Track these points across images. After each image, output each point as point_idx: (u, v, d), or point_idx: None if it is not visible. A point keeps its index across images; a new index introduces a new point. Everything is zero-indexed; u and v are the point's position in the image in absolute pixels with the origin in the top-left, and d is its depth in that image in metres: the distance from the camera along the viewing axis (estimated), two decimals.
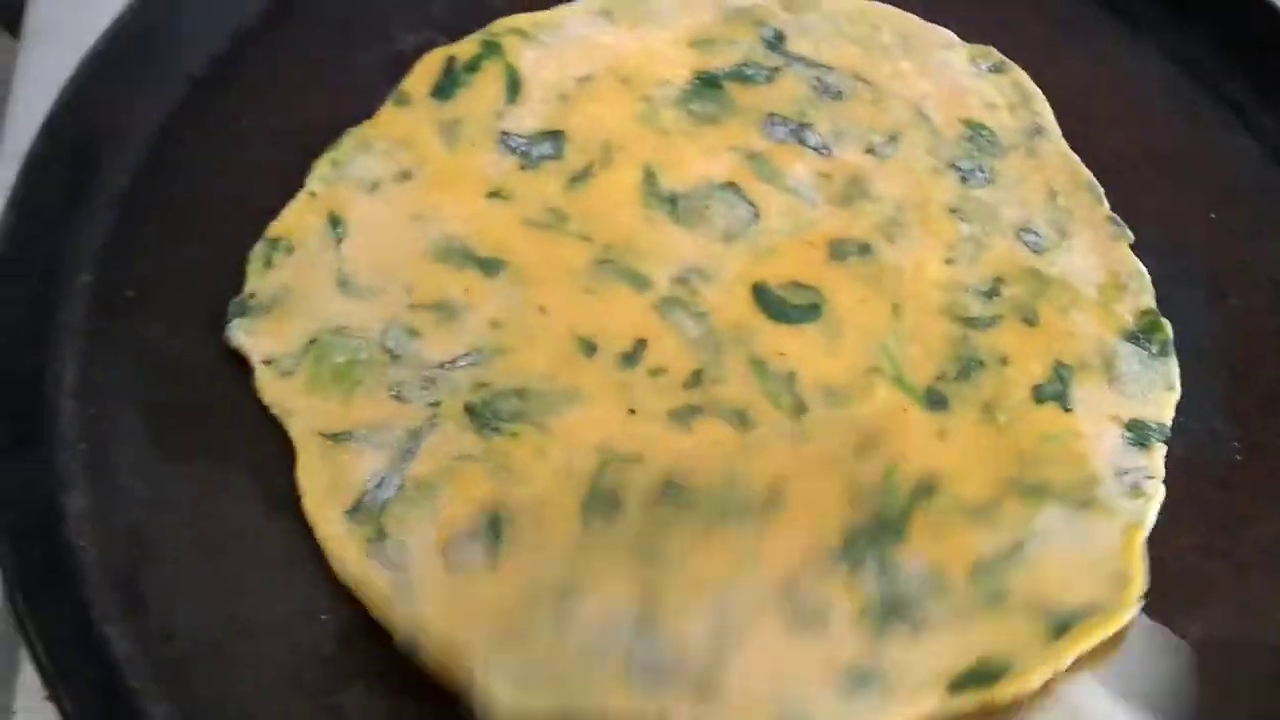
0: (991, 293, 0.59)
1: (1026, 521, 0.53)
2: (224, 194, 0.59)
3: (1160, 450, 0.56)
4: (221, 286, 0.57)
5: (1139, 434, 0.56)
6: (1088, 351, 0.58)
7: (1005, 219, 0.61)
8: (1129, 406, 0.57)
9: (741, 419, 0.54)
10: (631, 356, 0.55)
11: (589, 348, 0.55)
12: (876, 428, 0.55)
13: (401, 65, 0.63)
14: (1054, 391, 0.57)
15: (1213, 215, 0.64)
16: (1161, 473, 0.56)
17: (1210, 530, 0.56)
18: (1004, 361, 0.57)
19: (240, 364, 0.55)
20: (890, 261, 0.59)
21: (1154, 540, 0.54)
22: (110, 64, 0.59)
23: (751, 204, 0.60)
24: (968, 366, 0.57)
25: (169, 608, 0.50)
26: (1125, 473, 0.55)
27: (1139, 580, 0.52)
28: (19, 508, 0.50)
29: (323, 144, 0.60)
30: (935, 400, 0.56)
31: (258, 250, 0.56)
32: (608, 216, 0.59)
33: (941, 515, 0.53)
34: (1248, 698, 0.52)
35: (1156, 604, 0.53)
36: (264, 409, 0.54)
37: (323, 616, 0.51)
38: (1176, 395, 0.58)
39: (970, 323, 0.58)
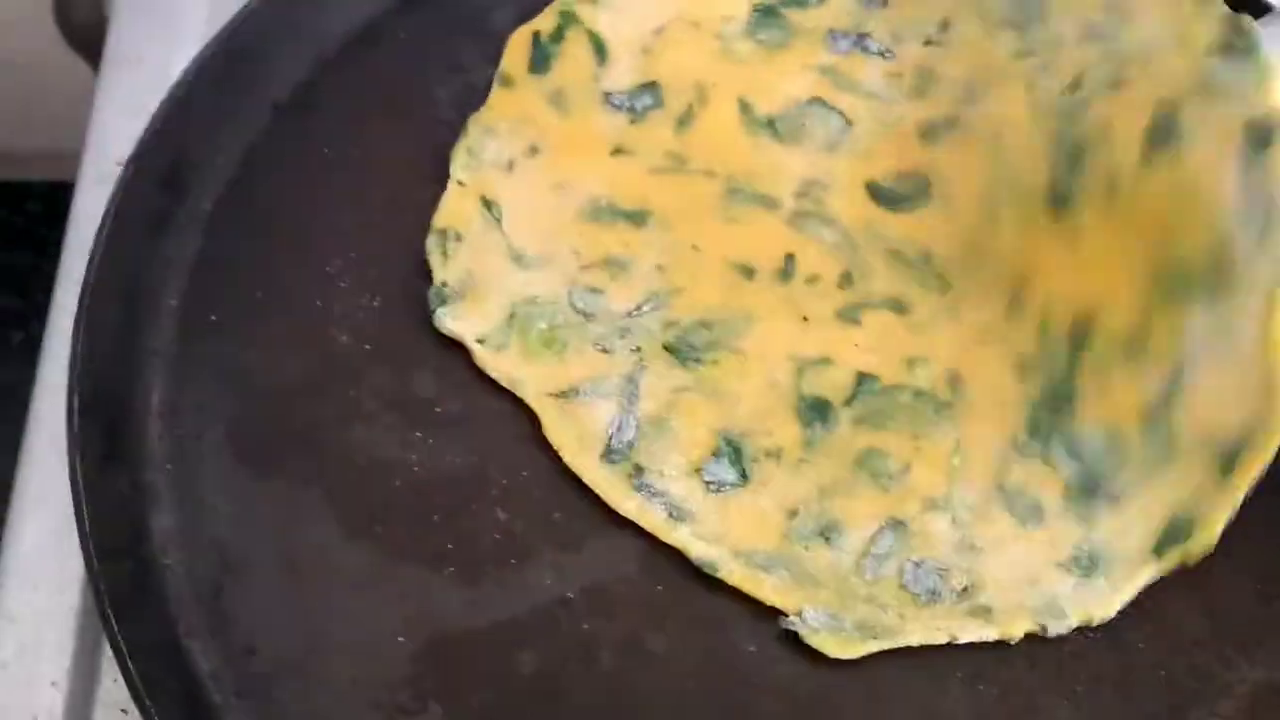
0: (1075, 85, 0.59)
1: (1176, 341, 0.54)
2: (304, 219, 0.61)
3: None
4: (304, 312, 0.58)
5: (1258, 134, 0.52)
6: (1182, 81, 0.55)
7: (1069, 35, 0.61)
8: (1238, 112, 0.53)
9: (899, 305, 0.60)
10: (785, 271, 0.61)
11: (747, 271, 0.61)
12: (1015, 269, 0.59)
13: (474, 96, 0.65)
14: (1163, 130, 0.54)
15: None
16: None
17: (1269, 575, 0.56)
18: (1107, 129, 0.56)
19: (322, 387, 0.57)
20: (976, 119, 0.63)
21: (1210, 586, 0.55)
22: (198, 92, 0.61)
23: (840, 112, 0.65)
24: (1075, 153, 0.58)
25: (252, 625, 0.52)
26: (1254, 198, 0.52)
27: None
28: (109, 525, 0.52)
29: (398, 172, 0.62)
30: (1058, 199, 0.59)
31: (432, 242, 0.60)
32: (721, 150, 0.64)
33: (1102, 358, 0.57)
34: None
35: (1213, 648, 0.54)
36: (343, 431, 0.56)
37: (400, 639, 0.52)
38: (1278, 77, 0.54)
39: (1063, 119, 0.59)
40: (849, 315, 0.60)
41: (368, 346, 0.58)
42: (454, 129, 0.64)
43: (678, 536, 0.55)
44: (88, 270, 0.56)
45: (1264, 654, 0.54)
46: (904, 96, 0.65)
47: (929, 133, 0.64)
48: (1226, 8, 0.55)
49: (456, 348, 0.58)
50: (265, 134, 0.62)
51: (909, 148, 0.64)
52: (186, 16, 0.72)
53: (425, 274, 0.60)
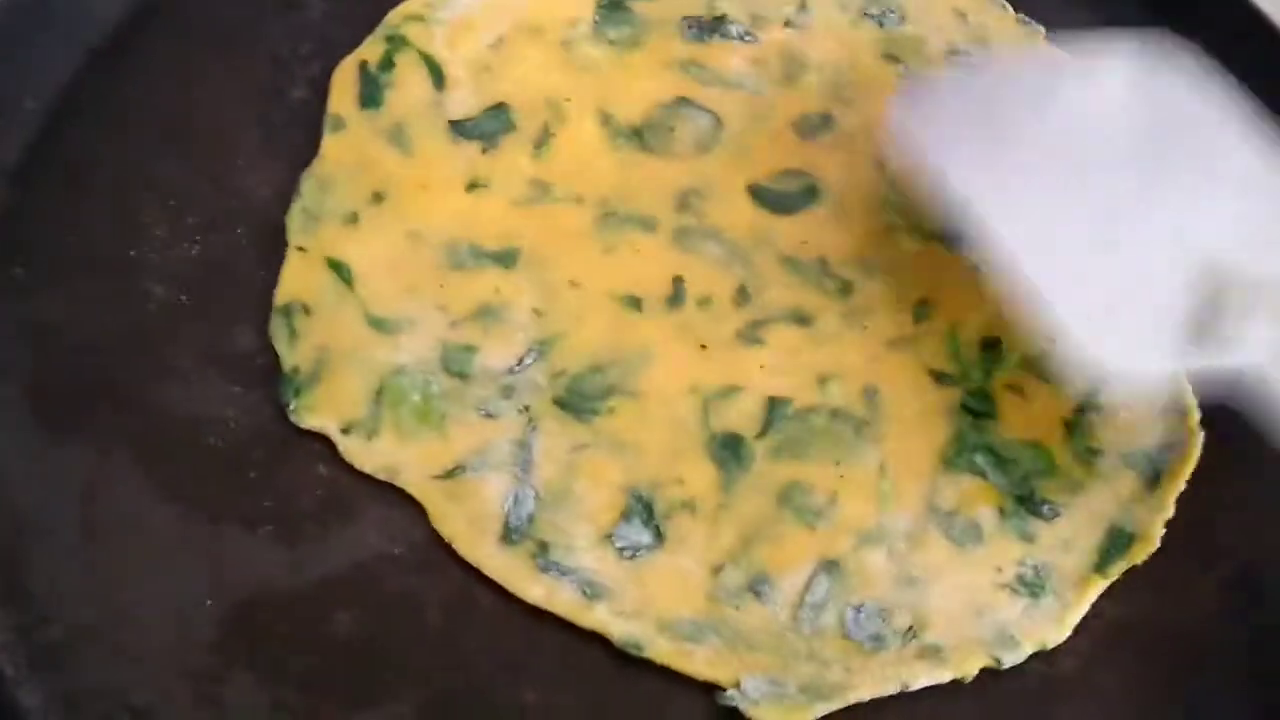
0: None
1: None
2: (120, 169, 0.58)
3: None
4: (116, 264, 0.55)
5: None
6: None
7: (932, 48, 0.63)
8: None
9: (800, 317, 0.56)
10: (675, 297, 0.56)
11: (634, 303, 0.56)
12: (918, 285, 0.57)
13: (310, 33, 0.62)
14: None
15: None
16: None
17: None
18: None
19: (134, 342, 0.54)
20: (853, 123, 0.61)
21: None
22: (3, 33, 0.57)
23: (708, 110, 0.61)
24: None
25: (48, 593, 0.49)
26: None
27: (1193, 406, 0.55)
28: None
29: (223, 114, 0.59)
30: (954, 238, 0.57)
31: (275, 324, 0.54)
32: (586, 171, 0.59)
33: (1014, 374, 0.56)
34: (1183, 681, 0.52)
35: None
36: (154, 387, 0.53)
37: (207, 602, 0.50)
38: None
39: None
40: (750, 335, 0.56)
41: (184, 299, 0.55)
42: (287, 68, 0.61)
43: (594, 618, 0.50)
44: None
45: (1120, 591, 0.53)
46: (772, 85, 0.61)
47: (805, 128, 0.61)
48: None
49: None
50: (78, 78, 0.59)
51: (787, 144, 0.60)
52: None
53: (247, 220, 0.57)
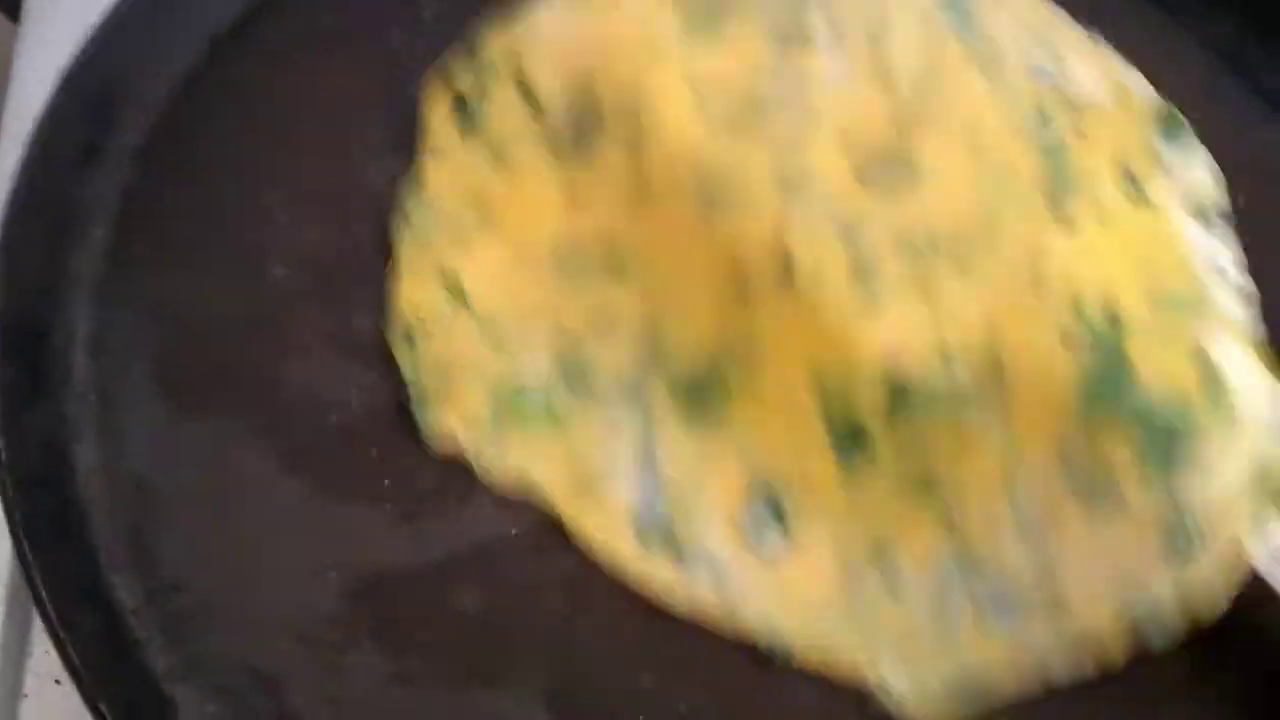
0: (1045, 118, 0.59)
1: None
2: (241, 153, 0.59)
3: (1228, 230, 0.59)
4: (237, 245, 0.56)
5: (1205, 216, 0.59)
6: (1135, 147, 0.60)
7: (1011, 56, 0.61)
8: (1185, 191, 0.60)
9: (916, 285, 0.53)
10: (786, 276, 0.54)
11: (743, 288, 0.54)
12: (1029, 250, 0.54)
13: (426, 32, 0.63)
14: (1134, 191, 0.58)
15: (1243, 206, 0.63)
16: (1243, 260, 0.58)
17: None
18: (1089, 174, 0.57)
19: (256, 321, 0.55)
20: (947, 113, 0.58)
21: None
22: (130, 18, 0.58)
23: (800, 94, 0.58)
24: (1064, 183, 0.56)
25: (177, 560, 0.50)
26: (1221, 270, 0.57)
27: None
28: (28, 458, 0.50)
29: (343, 104, 0.60)
30: (1060, 219, 0.55)
31: (397, 338, 0.54)
32: (682, 164, 0.56)
33: (1143, 342, 0.52)
34: None
35: None
36: (276, 365, 0.54)
37: (331, 573, 0.50)
38: (1213, 169, 0.60)
39: (1045, 152, 0.57)
40: (866, 311, 0.53)
41: (306, 281, 0.56)
42: (404, 63, 0.62)
43: (737, 622, 0.50)
44: (14, 196, 0.54)
45: None
46: (864, 79, 0.59)
47: (899, 106, 0.58)
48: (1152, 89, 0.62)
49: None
50: (201, 64, 0.60)
51: (882, 127, 0.58)
52: None
53: (365, 207, 0.58)
